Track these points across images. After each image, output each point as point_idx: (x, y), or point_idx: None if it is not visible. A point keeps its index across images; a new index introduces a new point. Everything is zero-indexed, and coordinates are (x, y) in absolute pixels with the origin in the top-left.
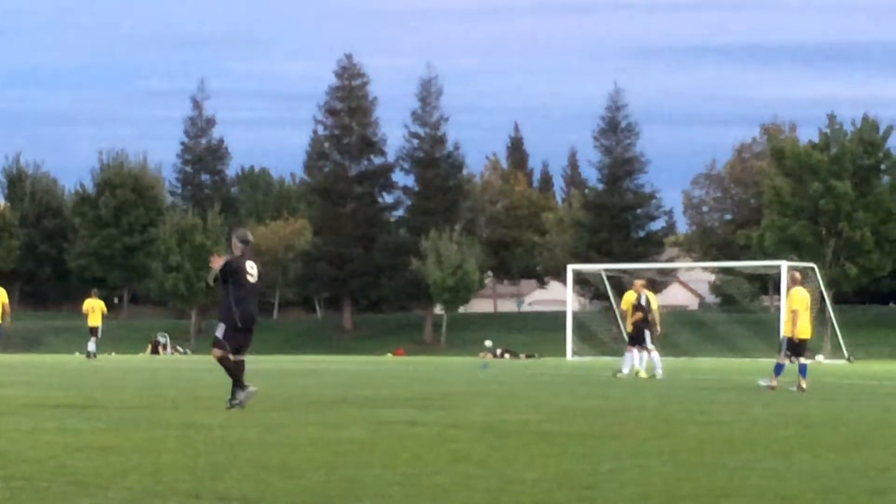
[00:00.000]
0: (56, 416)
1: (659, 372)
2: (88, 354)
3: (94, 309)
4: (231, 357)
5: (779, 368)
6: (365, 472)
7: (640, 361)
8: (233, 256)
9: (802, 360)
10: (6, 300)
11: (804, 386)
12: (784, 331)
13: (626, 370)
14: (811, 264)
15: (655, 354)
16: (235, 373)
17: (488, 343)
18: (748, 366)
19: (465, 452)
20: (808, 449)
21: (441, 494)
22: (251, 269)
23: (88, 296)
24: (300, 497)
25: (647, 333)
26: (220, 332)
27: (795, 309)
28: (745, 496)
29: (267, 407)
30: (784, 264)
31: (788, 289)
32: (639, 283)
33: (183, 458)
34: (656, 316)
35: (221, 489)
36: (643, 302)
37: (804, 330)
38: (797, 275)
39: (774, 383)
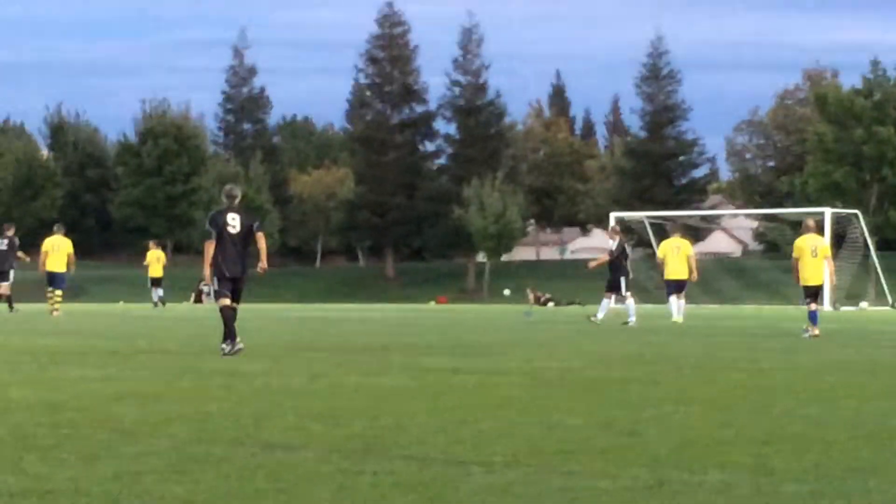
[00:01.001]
0: (100, 364)
1: (632, 319)
2: (156, 303)
3: (158, 259)
4: (228, 302)
5: (811, 316)
6: (408, 420)
7: (602, 311)
8: (217, 210)
9: (814, 306)
10: (71, 250)
11: (816, 333)
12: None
13: (630, 318)
14: (855, 210)
15: (630, 301)
16: (229, 327)
17: (507, 292)
18: (791, 313)
19: (507, 399)
20: (852, 395)
21: (484, 441)
22: (232, 220)
23: (144, 247)
24: (343, 444)
25: (623, 280)
26: (215, 284)
27: (795, 256)
28: (788, 442)
29: (310, 355)
30: (827, 211)
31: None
32: (612, 229)
33: (227, 405)
34: (692, 264)
35: (265, 437)
36: (614, 248)
37: (805, 277)
38: (810, 222)
39: (816, 332)
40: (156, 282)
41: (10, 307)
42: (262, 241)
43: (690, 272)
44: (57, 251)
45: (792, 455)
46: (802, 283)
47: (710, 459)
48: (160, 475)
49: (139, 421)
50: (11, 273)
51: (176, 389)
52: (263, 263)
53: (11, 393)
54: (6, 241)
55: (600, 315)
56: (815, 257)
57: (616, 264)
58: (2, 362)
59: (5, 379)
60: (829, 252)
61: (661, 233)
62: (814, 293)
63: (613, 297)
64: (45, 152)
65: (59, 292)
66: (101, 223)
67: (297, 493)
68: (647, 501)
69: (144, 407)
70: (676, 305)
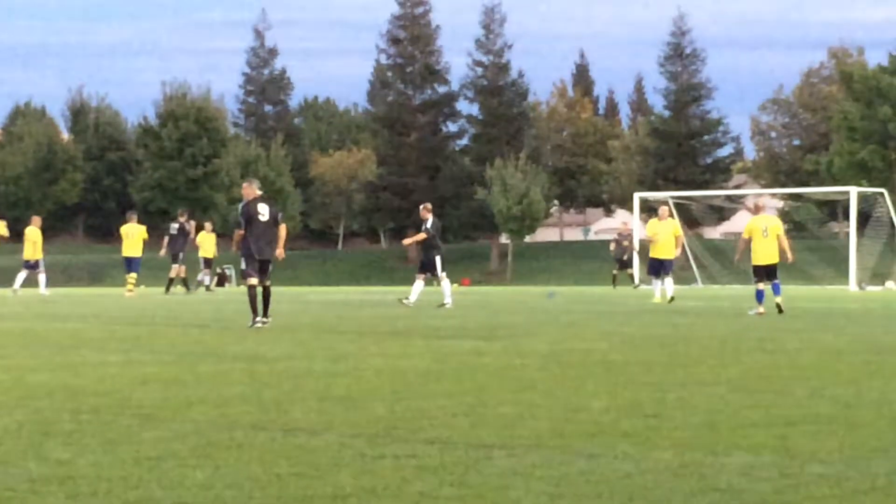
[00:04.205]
0: (121, 349)
1: (447, 301)
2: (207, 287)
3: (209, 240)
4: (255, 282)
5: (758, 295)
6: (430, 403)
7: (415, 294)
8: (248, 201)
9: (762, 285)
10: (146, 236)
11: (778, 301)
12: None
13: (446, 299)
14: (881, 189)
15: (445, 283)
16: (254, 302)
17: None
18: (817, 293)
19: (530, 382)
20: (878, 376)
21: (506, 424)
22: (262, 210)
23: (198, 226)
24: (365, 428)
25: (438, 259)
26: (243, 264)
27: (745, 237)
28: (814, 424)
29: (332, 338)
30: (853, 190)
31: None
32: (424, 207)
33: (248, 390)
34: (676, 243)
35: (286, 420)
36: (430, 226)
37: (757, 257)
38: (760, 202)
39: (761, 310)
40: (208, 262)
41: (187, 288)
42: (283, 231)
43: (676, 248)
44: (131, 237)
45: (817, 436)
46: (754, 262)
47: (734, 441)
48: (181, 460)
49: (160, 406)
50: (182, 255)
51: (197, 374)
52: (281, 250)
53: (33, 378)
54: (177, 226)
55: (447, 300)
56: (766, 237)
57: (430, 243)
58: (23, 347)
59: (27, 364)
60: (781, 230)
61: (686, 213)
62: (766, 272)
63: (424, 277)
64: (65, 136)
65: (133, 275)
66: (122, 207)
67: (318, 478)
68: (670, 484)
69: (165, 391)
70: (665, 283)
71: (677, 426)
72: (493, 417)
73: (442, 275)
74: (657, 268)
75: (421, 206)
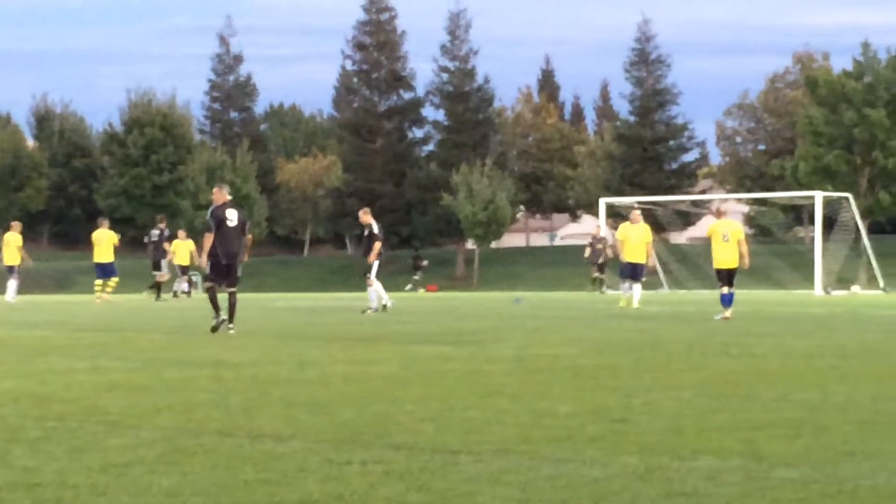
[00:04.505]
0: (88, 356)
1: (373, 307)
2: (187, 293)
3: (184, 247)
4: (216, 288)
5: (723, 299)
6: (397, 408)
7: (375, 297)
8: (217, 206)
9: (725, 290)
10: (116, 241)
11: (727, 315)
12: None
13: (370, 304)
14: (846, 194)
15: (378, 285)
16: (214, 300)
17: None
18: (783, 297)
19: (497, 387)
20: (844, 380)
21: (473, 429)
22: (231, 215)
23: (171, 236)
24: (332, 434)
25: (375, 264)
26: (208, 269)
27: (707, 236)
28: (780, 428)
29: (299, 344)
30: (818, 194)
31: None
32: (363, 212)
33: (214, 396)
34: (649, 249)
35: (253, 427)
36: (377, 231)
37: (718, 260)
38: (722, 208)
39: (727, 314)
40: (184, 270)
41: (157, 295)
42: (249, 241)
43: (648, 257)
44: (102, 244)
45: (783, 440)
46: (715, 266)
47: (701, 446)
48: (147, 467)
49: (126, 412)
50: (164, 262)
51: (164, 380)
52: (246, 257)
53: None
54: (157, 233)
55: (375, 304)
56: (726, 241)
57: (372, 246)
58: None
59: None
60: (741, 235)
61: (652, 218)
62: (726, 277)
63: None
64: (30, 142)
65: (111, 280)
66: (87, 213)
67: (285, 484)
68: (637, 488)
69: (132, 398)
70: (634, 289)
71: (644, 431)
72: (459, 423)
73: (373, 279)
74: (630, 272)
75: (360, 212)
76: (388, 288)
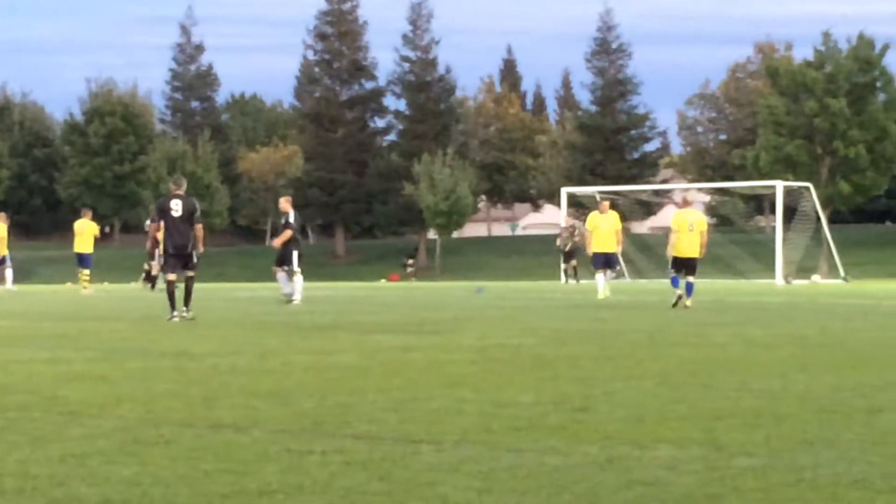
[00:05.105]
0: (48, 346)
1: (297, 297)
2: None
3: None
4: (174, 278)
5: (673, 281)
6: (358, 398)
7: (287, 286)
8: (163, 197)
9: (689, 279)
10: (97, 232)
11: (688, 304)
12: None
13: (295, 295)
14: (806, 184)
15: (299, 278)
16: (172, 297)
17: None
18: (744, 287)
19: (458, 377)
20: (804, 369)
21: (435, 419)
22: (175, 205)
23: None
24: (292, 424)
25: (296, 254)
26: (162, 260)
27: (674, 230)
28: (740, 417)
29: (260, 334)
30: (779, 184)
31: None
32: (285, 199)
33: (175, 386)
34: (619, 237)
35: (214, 417)
36: (292, 220)
37: (681, 249)
38: (687, 197)
39: (679, 292)
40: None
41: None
42: (200, 232)
43: (618, 244)
44: (83, 234)
45: (743, 429)
46: (676, 254)
47: (661, 435)
48: (108, 457)
49: (87, 403)
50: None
51: (124, 370)
52: (200, 247)
53: None
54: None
55: (297, 296)
56: (691, 231)
57: (292, 237)
58: None
59: None
60: (705, 226)
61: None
62: (688, 265)
63: (281, 272)
64: None
65: (86, 271)
66: (48, 203)
67: (245, 474)
68: (597, 477)
69: (92, 389)
70: (598, 278)
71: (605, 420)
72: (421, 412)
73: (297, 270)
74: (602, 261)
75: (281, 199)
76: (360, 278)
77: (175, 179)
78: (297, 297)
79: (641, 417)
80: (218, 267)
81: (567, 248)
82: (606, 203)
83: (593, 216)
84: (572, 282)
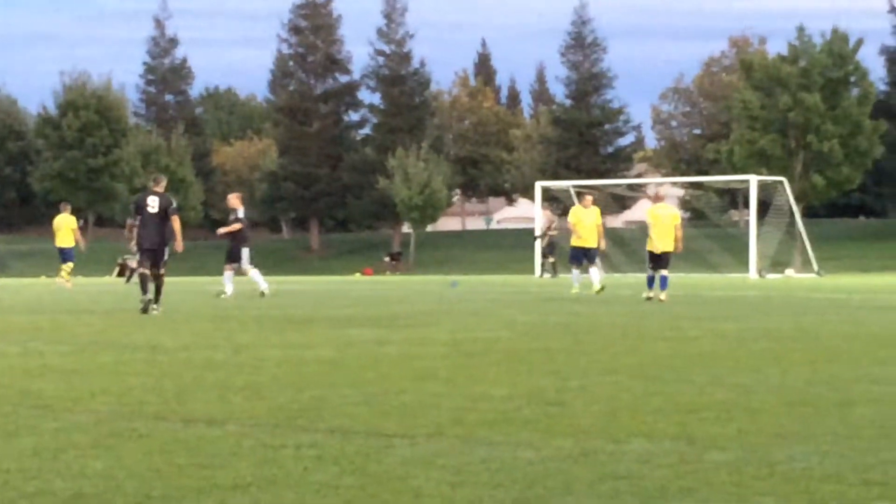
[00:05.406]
0: (21, 340)
1: (264, 287)
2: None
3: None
4: (148, 272)
5: (649, 281)
6: (331, 392)
7: (228, 284)
8: (141, 193)
9: (663, 272)
10: (75, 226)
11: (662, 297)
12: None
13: (262, 286)
14: (780, 178)
15: (254, 273)
16: (144, 283)
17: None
18: (717, 281)
19: (432, 371)
20: (777, 363)
21: (408, 413)
22: (152, 202)
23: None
24: (266, 418)
25: (246, 251)
26: (138, 254)
27: (650, 222)
28: (714, 410)
29: (234, 328)
30: (753, 178)
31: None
32: (235, 196)
33: (149, 380)
34: (600, 231)
35: (187, 410)
36: (241, 216)
37: (656, 244)
38: (661, 192)
39: (650, 294)
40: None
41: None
42: (176, 224)
43: (600, 238)
44: (62, 229)
45: (716, 423)
46: (650, 248)
47: (634, 429)
48: (81, 451)
49: (60, 396)
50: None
51: (98, 364)
52: (178, 244)
53: None
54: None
55: (228, 290)
56: (664, 225)
57: (241, 234)
58: None
59: None
60: (678, 220)
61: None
62: (662, 259)
63: (236, 268)
64: None
65: (69, 265)
66: (22, 197)
67: (218, 468)
68: (571, 471)
69: (66, 382)
70: (591, 272)
71: (578, 414)
72: (394, 406)
73: (247, 267)
74: (580, 257)
75: (231, 195)
76: (335, 271)
77: (154, 177)
78: (265, 287)
79: (615, 411)
80: (191, 260)
81: (544, 241)
82: (590, 197)
83: (576, 210)
84: (548, 276)
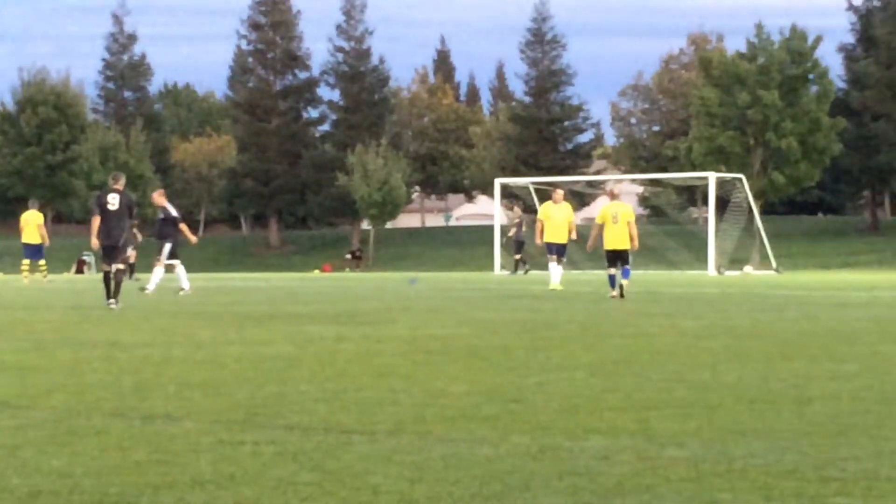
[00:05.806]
0: None
1: (185, 286)
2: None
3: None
4: (108, 268)
5: (610, 279)
6: (290, 388)
7: (184, 280)
8: (101, 191)
9: (613, 271)
10: (41, 222)
11: (623, 282)
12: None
13: (184, 284)
14: (739, 175)
15: (181, 269)
16: (107, 284)
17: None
18: (676, 277)
19: (390, 367)
20: (735, 360)
21: (367, 409)
22: (112, 199)
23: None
24: (225, 414)
25: (169, 247)
26: (100, 251)
27: (599, 223)
28: (672, 407)
29: (192, 324)
30: (712, 175)
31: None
32: (158, 193)
33: (107, 376)
34: (571, 227)
35: (146, 407)
36: (174, 213)
37: (609, 241)
38: (614, 190)
39: (614, 293)
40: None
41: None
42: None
43: (570, 232)
44: (29, 224)
45: (675, 420)
46: (605, 247)
47: (593, 425)
48: (39, 448)
49: (17, 393)
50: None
51: (56, 361)
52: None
53: None
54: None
55: (185, 285)
56: (616, 223)
57: (166, 229)
58: None
59: None
60: (631, 217)
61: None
62: (616, 257)
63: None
64: None
65: (41, 262)
66: None
67: (177, 464)
68: (529, 468)
69: (23, 379)
70: (556, 271)
71: (537, 410)
72: (353, 403)
73: (172, 262)
74: (553, 252)
75: (154, 193)
76: (294, 268)
77: (113, 175)
78: (186, 286)
79: (574, 408)
80: (150, 257)
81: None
82: (560, 193)
83: (546, 206)
84: (521, 273)
